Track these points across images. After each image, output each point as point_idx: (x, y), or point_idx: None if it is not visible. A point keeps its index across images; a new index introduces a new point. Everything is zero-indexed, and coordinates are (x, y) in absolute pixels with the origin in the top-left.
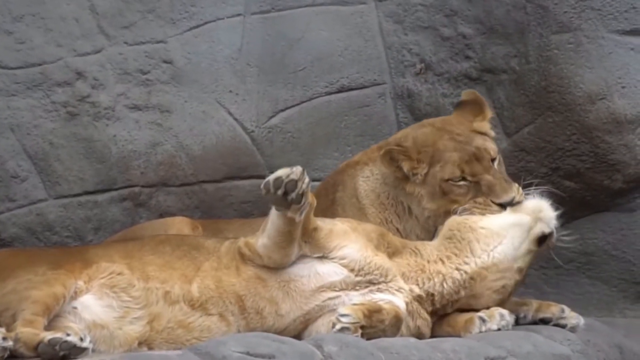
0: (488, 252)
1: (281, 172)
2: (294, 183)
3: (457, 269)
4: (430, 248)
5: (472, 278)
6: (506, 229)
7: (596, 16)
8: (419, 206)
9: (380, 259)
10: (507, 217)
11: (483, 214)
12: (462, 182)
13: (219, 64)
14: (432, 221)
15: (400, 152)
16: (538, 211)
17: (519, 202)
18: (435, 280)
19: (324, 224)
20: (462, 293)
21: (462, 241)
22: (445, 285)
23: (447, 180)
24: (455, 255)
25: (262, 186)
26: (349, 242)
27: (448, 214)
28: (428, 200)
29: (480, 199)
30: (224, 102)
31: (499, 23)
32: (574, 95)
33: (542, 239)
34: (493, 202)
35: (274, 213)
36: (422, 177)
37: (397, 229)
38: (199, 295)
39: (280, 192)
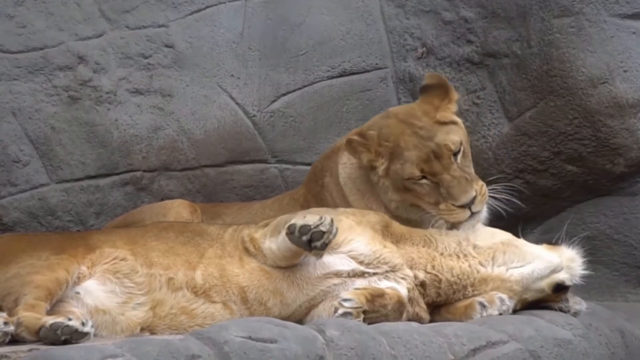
0: (508, 267)
1: (310, 220)
2: (321, 234)
3: (469, 265)
4: (449, 241)
5: (484, 279)
6: (534, 258)
7: (598, 0)
8: (386, 196)
9: (389, 251)
10: (540, 249)
11: (450, 220)
12: (423, 181)
13: (220, 48)
14: (402, 211)
15: (360, 144)
16: (571, 260)
17: (480, 202)
18: (444, 267)
19: None
20: (469, 290)
21: (487, 248)
22: (452, 273)
23: (408, 179)
24: (473, 257)
25: (287, 226)
26: (355, 235)
27: (415, 206)
28: (393, 192)
29: (442, 206)
30: (226, 86)
31: (500, 7)
32: (576, 79)
33: (559, 288)
34: (454, 205)
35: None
36: (384, 171)
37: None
38: (203, 282)
39: (305, 238)
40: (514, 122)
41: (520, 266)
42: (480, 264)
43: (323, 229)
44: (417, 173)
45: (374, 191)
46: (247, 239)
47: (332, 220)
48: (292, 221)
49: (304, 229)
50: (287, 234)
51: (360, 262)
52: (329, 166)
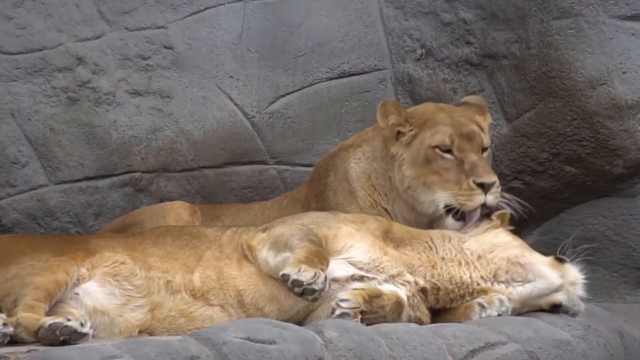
0: (508, 285)
1: (304, 277)
2: (313, 291)
3: (470, 276)
4: (450, 246)
5: (483, 291)
6: (536, 276)
7: (597, 1)
8: (399, 172)
9: (389, 259)
10: (545, 267)
11: (463, 201)
12: (448, 155)
13: (219, 50)
14: (411, 192)
15: (394, 106)
16: (572, 283)
17: (495, 194)
18: (444, 276)
19: (329, 231)
20: (467, 299)
21: (491, 263)
22: (452, 281)
23: (435, 147)
24: (475, 268)
25: (281, 273)
26: (355, 241)
27: (426, 187)
28: (409, 166)
29: (464, 184)
30: (225, 87)
31: (499, 8)
32: (575, 80)
33: (556, 307)
34: (475, 182)
35: None
36: (409, 138)
37: (386, 210)
38: (201, 285)
39: (297, 290)
40: (513, 123)
41: (521, 284)
42: (482, 277)
43: (315, 287)
44: (448, 142)
45: (385, 187)
46: (245, 246)
47: (325, 278)
48: (287, 271)
49: (297, 282)
50: (282, 279)
51: (360, 269)
52: (334, 164)
